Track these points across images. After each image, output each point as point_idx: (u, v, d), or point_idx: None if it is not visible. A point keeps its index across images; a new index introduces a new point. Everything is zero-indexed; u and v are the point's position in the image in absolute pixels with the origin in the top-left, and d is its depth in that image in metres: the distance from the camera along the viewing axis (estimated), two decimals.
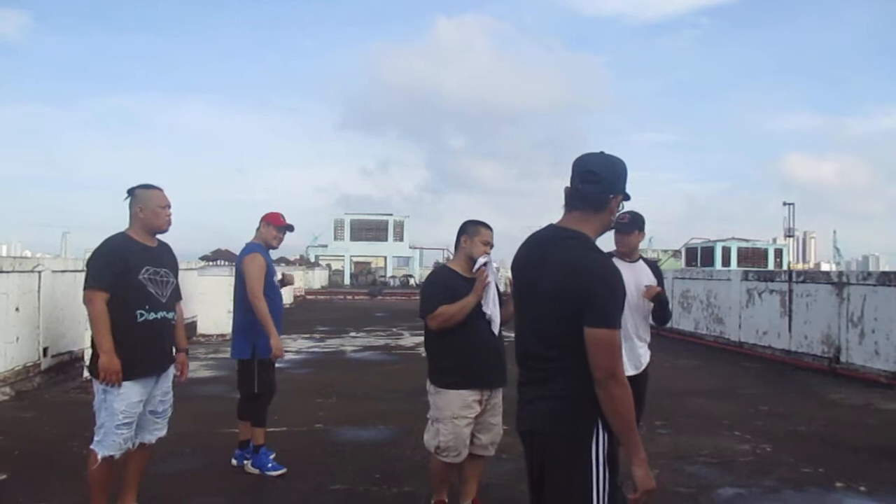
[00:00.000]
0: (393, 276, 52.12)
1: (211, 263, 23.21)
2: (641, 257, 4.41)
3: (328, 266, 53.05)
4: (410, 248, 55.58)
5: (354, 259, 55.60)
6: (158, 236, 3.80)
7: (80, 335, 8.36)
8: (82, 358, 8.28)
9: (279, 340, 4.71)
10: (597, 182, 2.22)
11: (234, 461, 4.95)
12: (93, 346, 3.61)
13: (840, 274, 10.74)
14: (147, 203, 3.66)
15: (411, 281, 48.48)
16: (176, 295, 3.83)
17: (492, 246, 3.89)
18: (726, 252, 37.40)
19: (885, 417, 7.07)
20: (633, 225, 4.26)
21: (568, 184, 2.29)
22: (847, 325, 9.69)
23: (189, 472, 4.88)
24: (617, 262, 4.20)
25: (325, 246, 54.98)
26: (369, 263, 58.58)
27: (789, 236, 47.82)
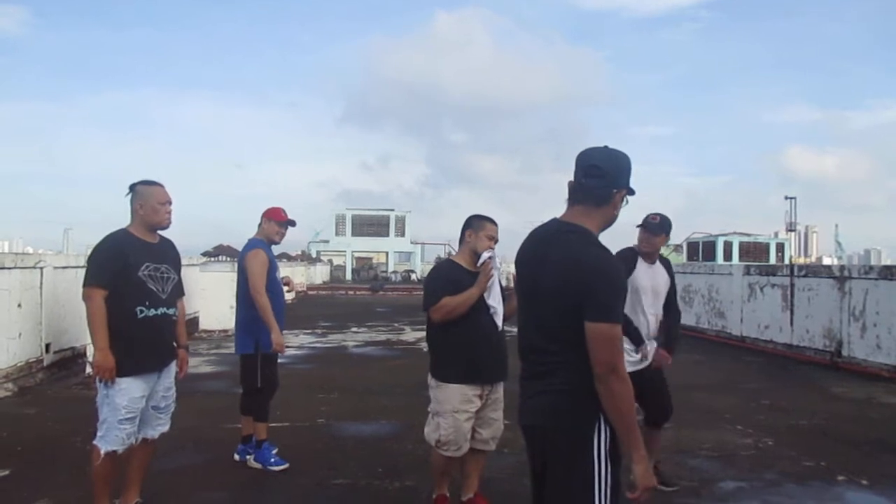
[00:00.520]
0: (394, 272, 52.15)
1: (212, 259, 23.22)
2: (658, 257, 4.44)
3: (329, 261, 53.06)
4: (412, 243, 55.58)
5: (356, 254, 55.64)
6: (160, 232, 3.80)
7: (82, 331, 8.36)
8: (84, 354, 8.30)
9: (280, 335, 4.72)
10: (600, 176, 2.21)
11: (236, 456, 4.96)
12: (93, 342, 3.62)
13: (842, 268, 10.73)
14: (147, 199, 3.65)
15: (413, 276, 48.50)
16: (178, 291, 3.82)
17: (496, 241, 3.89)
18: (728, 246, 37.36)
19: (887, 411, 7.07)
20: (662, 228, 4.31)
21: (571, 178, 2.28)
22: (849, 319, 9.69)
23: (191, 467, 4.89)
24: (639, 263, 4.30)
25: (327, 241, 54.99)
26: (371, 259, 58.63)
27: (791, 230, 47.80)
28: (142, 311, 3.55)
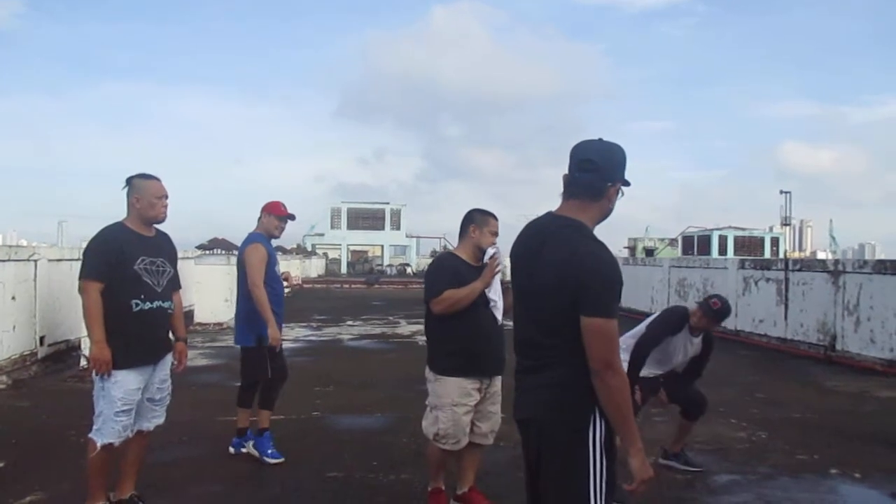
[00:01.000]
0: (390, 265, 52.17)
1: (207, 252, 23.18)
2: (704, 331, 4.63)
3: (325, 255, 53.04)
4: (407, 236, 55.61)
5: (351, 248, 55.64)
6: (157, 226, 3.79)
7: (76, 324, 8.34)
8: (79, 347, 8.28)
9: (276, 329, 4.75)
10: (594, 170, 2.20)
11: (231, 449, 4.96)
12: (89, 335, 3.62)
13: (836, 262, 10.77)
14: (143, 193, 3.64)
15: (408, 269, 48.54)
16: (174, 284, 3.82)
17: (497, 235, 3.90)
18: (723, 240, 37.47)
19: (880, 405, 7.11)
20: (719, 317, 4.53)
21: (566, 171, 2.28)
22: (843, 313, 9.73)
23: (187, 459, 4.89)
24: (686, 333, 4.54)
25: (322, 235, 54.96)
26: (366, 252, 58.62)
27: (786, 225, 47.86)
28: (137, 305, 3.55)
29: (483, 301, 3.78)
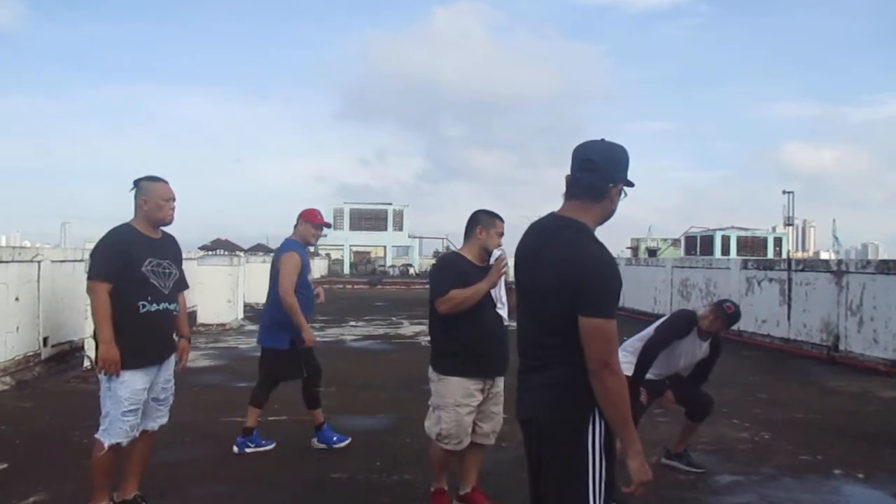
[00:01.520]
0: (392, 266, 52.14)
1: (210, 253, 23.20)
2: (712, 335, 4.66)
3: (327, 255, 53.06)
4: (410, 237, 55.55)
5: (354, 248, 55.59)
6: (164, 228, 3.81)
7: (79, 325, 8.36)
8: (82, 348, 8.29)
9: (310, 332, 4.95)
10: (595, 170, 2.20)
11: (235, 448, 4.97)
12: (96, 335, 3.63)
13: (839, 262, 10.75)
14: (151, 195, 3.67)
15: (411, 270, 48.49)
16: (179, 286, 3.85)
17: (502, 236, 3.92)
18: (725, 241, 37.37)
19: (884, 405, 7.09)
20: (732, 321, 4.58)
21: (568, 172, 2.28)
22: (846, 313, 9.71)
23: (190, 460, 4.90)
24: (694, 337, 4.54)
25: (325, 235, 54.80)
26: (368, 253, 58.63)
27: (789, 225, 47.66)
28: (144, 306, 3.59)
29: (490, 302, 3.79)
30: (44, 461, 4.77)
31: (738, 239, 37.81)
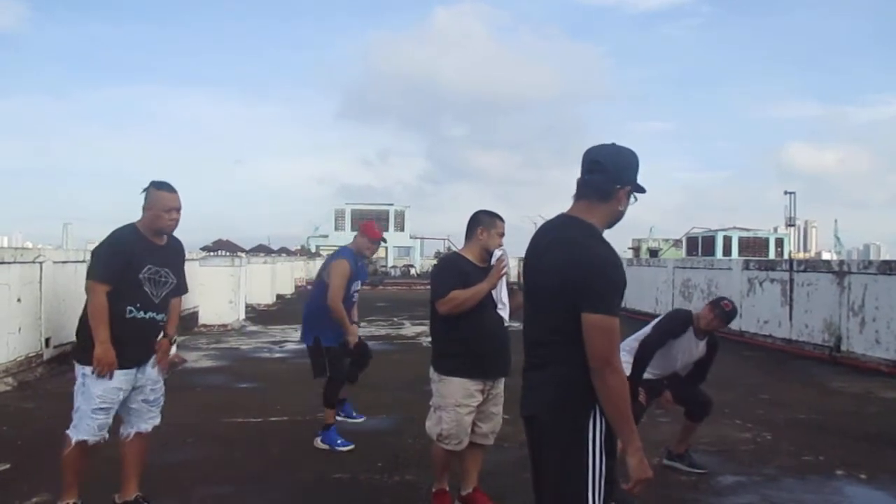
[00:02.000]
0: (394, 266, 52.17)
1: (212, 254, 23.21)
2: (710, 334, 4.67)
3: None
4: (411, 237, 55.58)
5: None
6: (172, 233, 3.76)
7: None
8: None
9: (355, 333, 5.26)
10: (602, 172, 2.24)
11: (318, 440, 5.29)
12: (79, 332, 3.63)
13: (841, 263, 10.74)
14: (153, 203, 3.60)
15: (412, 271, 48.54)
16: (176, 292, 3.79)
17: (503, 236, 3.93)
18: (727, 241, 37.40)
19: (886, 406, 7.09)
20: (730, 318, 4.60)
21: (577, 175, 2.32)
22: (848, 314, 9.70)
23: (192, 461, 4.90)
24: (690, 335, 4.56)
25: (326, 236, 54.98)
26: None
27: (790, 225, 47.53)
28: (131, 312, 3.54)
29: (491, 303, 3.79)
30: (46, 462, 4.77)
31: (740, 239, 37.84)
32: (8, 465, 4.67)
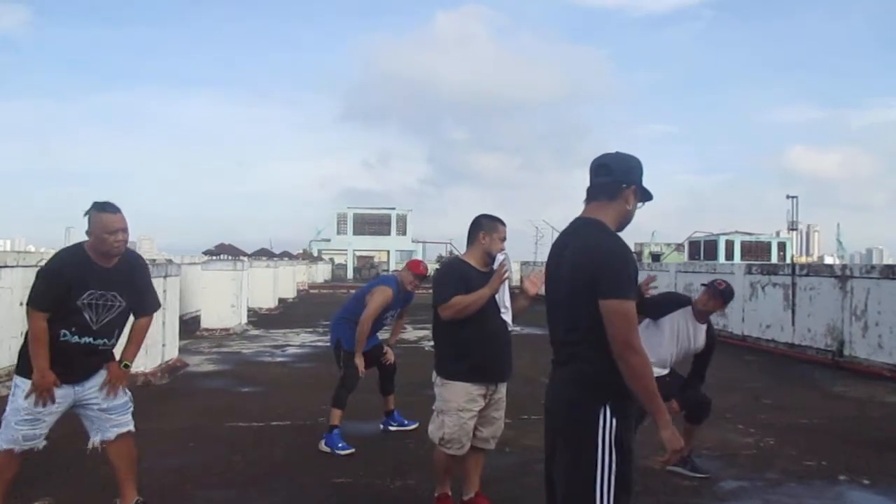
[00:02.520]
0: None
1: (214, 258, 23.23)
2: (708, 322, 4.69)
3: (331, 260, 53.07)
4: (413, 241, 55.53)
5: (357, 253, 55.62)
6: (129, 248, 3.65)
7: None
8: None
9: (361, 360, 5.34)
10: (607, 173, 2.40)
11: (381, 426, 5.81)
12: (21, 349, 3.59)
13: (843, 267, 10.72)
14: (95, 227, 3.41)
15: None
16: (120, 320, 3.61)
17: (504, 240, 3.93)
18: (729, 245, 37.33)
19: (889, 410, 7.07)
20: (725, 297, 4.58)
21: (577, 178, 2.40)
22: (850, 318, 9.68)
23: (194, 465, 4.89)
24: (688, 317, 4.57)
25: (328, 240, 55.03)
26: (372, 257, 58.61)
27: (793, 229, 47.63)
28: (64, 336, 3.46)
29: (494, 307, 3.79)
30: (45, 467, 4.77)
31: (742, 244, 37.77)
32: None
